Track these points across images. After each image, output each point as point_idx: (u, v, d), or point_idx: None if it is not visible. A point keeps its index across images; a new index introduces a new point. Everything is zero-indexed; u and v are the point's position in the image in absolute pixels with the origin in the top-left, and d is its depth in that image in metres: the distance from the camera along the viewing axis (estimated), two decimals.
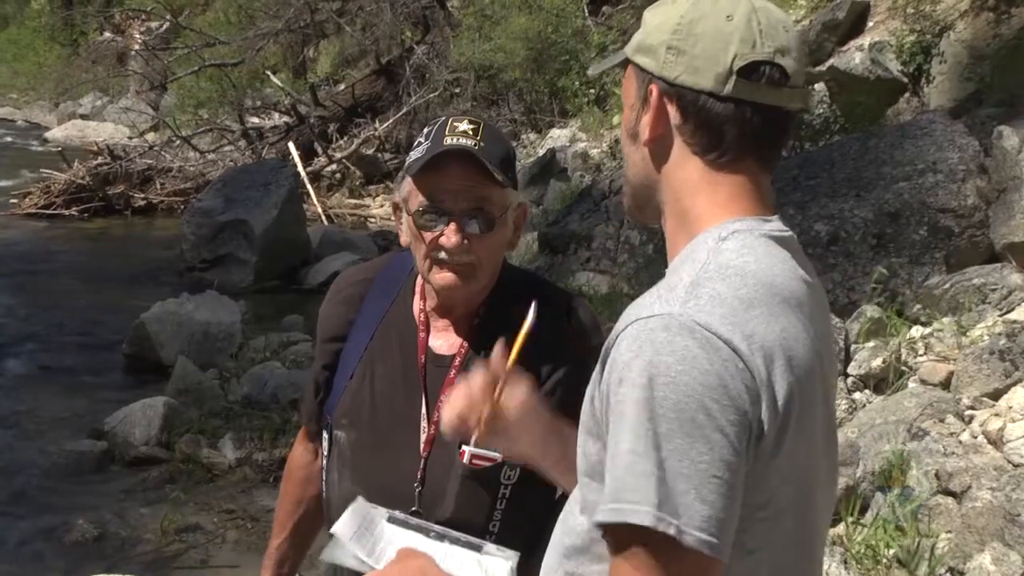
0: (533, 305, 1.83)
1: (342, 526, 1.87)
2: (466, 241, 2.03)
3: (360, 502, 1.94)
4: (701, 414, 1.31)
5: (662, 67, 1.50)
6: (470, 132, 2.03)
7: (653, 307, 1.39)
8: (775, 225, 1.53)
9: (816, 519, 1.54)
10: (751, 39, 1.48)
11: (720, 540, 1.31)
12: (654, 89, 1.52)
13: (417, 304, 2.19)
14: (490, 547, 1.81)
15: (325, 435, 2.23)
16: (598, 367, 1.46)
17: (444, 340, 2.15)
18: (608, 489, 1.35)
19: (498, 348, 1.79)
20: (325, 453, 2.24)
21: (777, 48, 1.48)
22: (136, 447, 6.67)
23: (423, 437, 2.09)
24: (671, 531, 1.29)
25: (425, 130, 2.11)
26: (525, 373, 1.84)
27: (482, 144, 2.02)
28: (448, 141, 2.02)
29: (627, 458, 1.33)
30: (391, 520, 1.91)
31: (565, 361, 2.09)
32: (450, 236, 2.02)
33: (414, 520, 1.90)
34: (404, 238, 2.13)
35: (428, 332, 2.16)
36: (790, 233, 1.54)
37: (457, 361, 2.11)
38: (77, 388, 8.14)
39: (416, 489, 2.06)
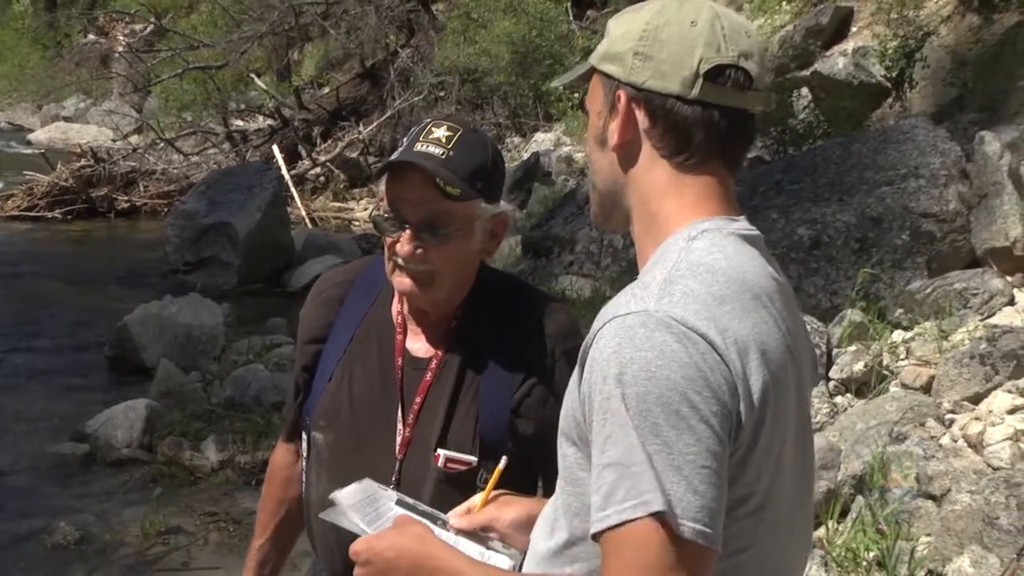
0: (503, 459, 1.93)
1: (345, 495, 1.86)
2: (420, 251, 2.03)
3: (369, 481, 1.94)
4: (685, 406, 1.33)
5: (629, 73, 1.53)
6: (443, 140, 2.03)
7: (629, 305, 1.41)
8: (742, 224, 1.55)
9: (795, 511, 1.56)
10: (716, 43, 1.51)
11: (714, 530, 1.33)
12: (622, 95, 1.54)
13: (395, 306, 2.19)
14: (496, 544, 1.82)
15: (304, 437, 2.24)
16: (577, 368, 1.47)
17: (421, 343, 2.16)
18: (601, 491, 1.36)
19: (460, 512, 1.86)
20: (304, 455, 2.24)
21: (741, 52, 1.52)
22: (118, 449, 6.65)
23: (398, 440, 2.10)
24: (666, 522, 1.31)
25: (410, 130, 2.12)
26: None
27: (451, 154, 2.01)
28: (418, 148, 2.02)
29: (616, 455, 1.34)
30: (400, 503, 1.91)
31: (544, 364, 2.10)
32: (403, 245, 2.03)
33: (422, 506, 1.91)
34: None
35: (405, 334, 2.17)
36: (757, 232, 1.56)
37: (434, 364, 2.12)
38: (59, 390, 8.10)
39: (400, 492, 2.05)
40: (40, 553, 5.59)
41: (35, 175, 15.39)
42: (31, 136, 24.16)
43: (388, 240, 2.06)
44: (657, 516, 1.31)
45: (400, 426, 2.11)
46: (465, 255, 2.09)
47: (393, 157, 2.05)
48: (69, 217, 14.62)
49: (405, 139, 2.08)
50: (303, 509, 2.30)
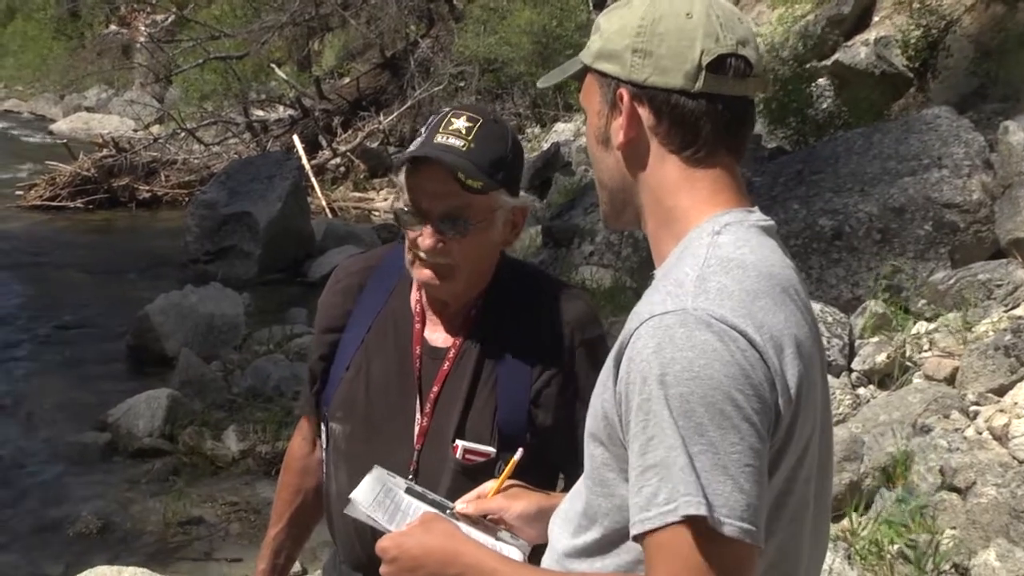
0: (519, 451, 1.92)
1: (361, 492, 1.85)
2: (441, 244, 2.01)
3: (379, 470, 1.93)
4: (729, 405, 1.33)
5: (630, 71, 1.51)
6: (462, 131, 2.01)
7: (665, 304, 1.39)
8: (759, 215, 1.55)
9: (817, 498, 1.55)
10: (714, 33, 1.50)
11: (758, 527, 1.33)
12: (624, 94, 1.52)
13: (414, 296, 2.18)
14: (504, 534, 1.81)
15: (322, 427, 2.23)
16: (611, 368, 1.45)
17: (440, 332, 2.14)
18: (643, 492, 1.35)
19: (470, 498, 1.86)
20: (324, 445, 2.23)
21: (738, 39, 1.51)
22: (140, 439, 6.69)
23: (416, 429, 2.09)
24: (712, 523, 1.30)
25: (430, 120, 2.09)
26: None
27: (472, 145, 1.99)
28: (438, 139, 2.00)
29: (659, 456, 1.33)
30: (409, 492, 1.90)
31: (562, 354, 2.09)
32: (425, 238, 2.01)
33: (431, 495, 1.90)
34: None
35: (424, 324, 2.15)
36: (772, 222, 1.56)
37: (452, 353, 2.11)
38: (81, 380, 8.15)
39: (410, 480, 2.04)
40: (63, 541, 5.64)
41: (57, 165, 15.47)
42: (53, 126, 24.30)
43: (410, 234, 2.04)
44: (700, 517, 1.30)
45: (418, 416, 2.09)
46: (486, 247, 2.08)
47: (413, 149, 2.03)
48: (91, 207, 14.70)
49: (424, 130, 2.06)
50: (321, 499, 2.29)
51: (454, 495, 1.93)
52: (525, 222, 2.17)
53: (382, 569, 1.67)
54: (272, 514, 2.47)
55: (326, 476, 2.23)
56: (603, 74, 1.55)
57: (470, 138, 2.00)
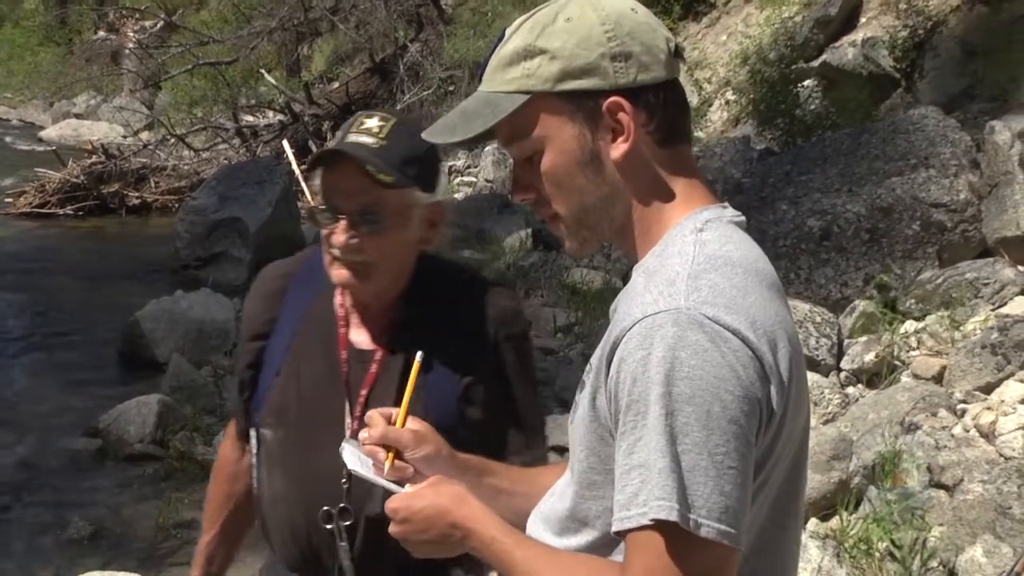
0: (419, 354, 1.85)
1: (358, 463, 1.79)
2: (355, 241, 2.01)
3: (346, 441, 1.86)
4: (717, 406, 1.33)
5: (615, 78, 1.48)
6: (374, 130, 2.02)
7: (658, 303, 1.39)
8: (732, 211, 1.55)
9: (799, 487, 1.57)
10: (657, 22, 1.53)
11: (738, 530, 1.34)
12: (618, 104, 1.48)
13: (338, 299, 2.18)
14: (389, 477, 1.80)
15: (253, 433, 2.21)
16: (602, 368, 1.45)
17: (365, 335, 2.14)
18: (626, 490, 1.36)
19: (374, 415, 1.79)
20: (254, 451, 2.22)
21: None
22: (131, 444, 6.67)
23: (347, 433, 2.07)
24: (690, 525, 1.31)
25: (344, 123, 2.11)
26: (440, 382, 2.00)
27: (384, 143, 2.00)
28: (350, 138, 2.01)
29: (643, 456, 1.34)
30: (348, 441, 1.87)
31: (488, 349, 2.11)
32: (339, 235, 2.01)
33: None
34: None
35: (348, 327, 2.15)
36: (744, 218, 1.56)
37: (378, 355, 2.11)
38: (72, 386, 8.13)
39: (344, 485, 2.06)
40: (54, 547, 5.63)
41: (46, 172, 15.42)
42: (42, 133, 24.20)
43: (324, 232, 2.04)
44: (680, 519, 1.31)
45: (348, 419, 2.09)
46: (402, 245, 2.08)
47: (319, 151, 2.05)
48: (80, 214, 14.65)
49: (339, 132, 2.08)
50: (253, 505, 2.28)
51: (388, 494, 1.95)
52: (444, 221, 2.15)
53: (391, 528, 1.66)
54: (204, 522, 2.47)
55: (258, 482, 2.22)
56: (575, 93, 1.49)
57: (381, 135, 2.01)
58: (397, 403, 1.94)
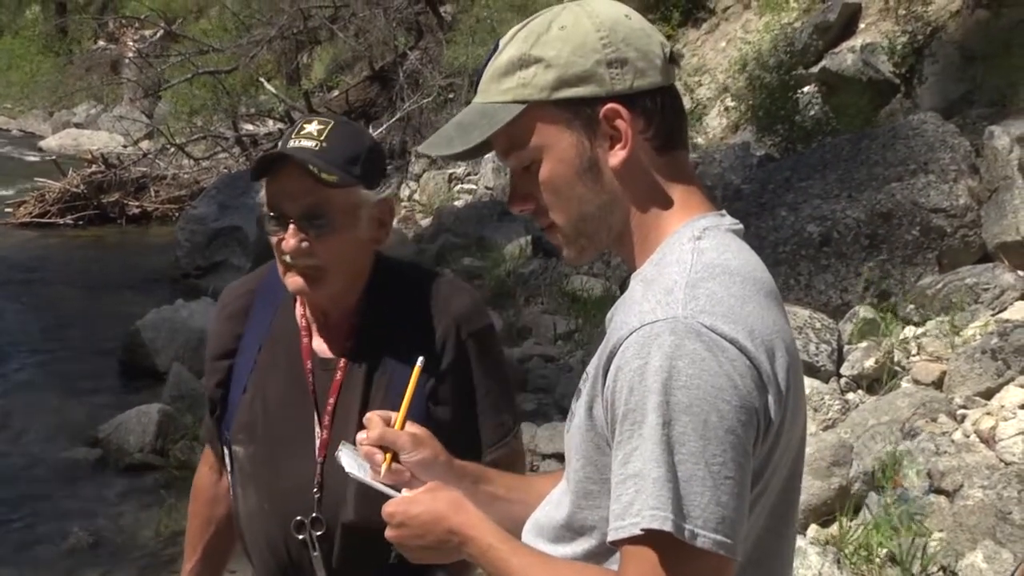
0: (420, 359, 1.83)
1: (357, 468, 1.78)
2: (305, 244, 2.01)
3: (342, 445, 1.84)
4: (714, 415, 1.32)
5: (612, 85, 1.48)
6: (314, 133, 2.03)
7: (656, 312, 1.38)
8: (730, 220, 1.54)
9: (796, 495, 1.57)
10: (652, 28, 1.53)
11: (734, 540, 1.33)
12: (615, 111, 1.48)
13: (299, 310, 2.18)
14: (384, 481, 1.79)
15: (226, 452, 2.21)
16: (599, 377, 1.44)
17: (327, 343, 2.14)
18: (621, 500, 1.35)
19: (373, 417, 1.76)
20: (229, 469, 2.22)
21: None
22: (131, 454, 6.67)
23: (317, 443, 2.08)
24: (685, 535, 1.31)
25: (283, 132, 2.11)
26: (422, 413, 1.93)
27: (324, 144, 2.01)
28: (291, 144, 2.02)
29: (639, 466, 1.34)
30: (343, 446, 1.87)
31: (452, 348, 2.10)
32: (288, 240, 2.01)
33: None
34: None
35: (311, 336, 2.15)
36: (741, 226, 1.56)
37: (342, 363, 2.11)
38: (72, 395, 8.12)
39: (316, 495, 2.06)
40: (54, 556, 5.62)
41: (46, 182, 15.44)
42: (42, 143, 24.23)
43: (275, 240, 2.04)
44: (674, 529, 1.31)
45: (317, 429, 2.09)
46: (352, 245, 2.07)
47: (258, 158, 2.05)
48: (81, 223, 14.67)
49: (282, 139, 2.09)
50: (232, 526, 2.28)
51: (360, 502, 1.94)
52: (393, 219, 2.16)
53: (388, 532, 1.66)
54: (186, 547, 2.45)
55: (234, 498, 2.22)
56: (572, 101, 1.48)
57: (322, 138, 2.03)
58: (364, 409, 1.95)
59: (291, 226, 2.01)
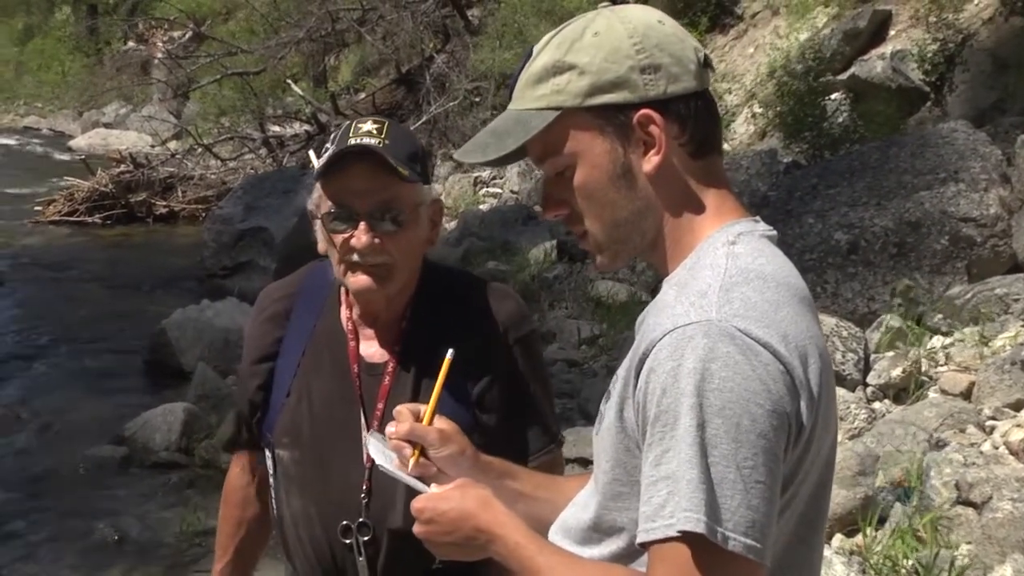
0: (450, 352, 1.79)
1: (384, 459, 1.77)
2: (377, 241, 1.99)
3: (371, 435, 1.85)
4: (746, 419, 1.32)
5: (645, 91, 1.47)
6: (374, 131, 2.00)
7: (689, 315, 1.38)
8: (764, 225, 1.54)
9: (825, 503, 1.56)
10: (685, 33, 1.52)
11: (764, 545, 1.32)
12: (649, 117, 1.47)
13: (344, 313, 2.15)
14: (412, 480, 1.79)
15: (268, 455, 2.19)
16: (630, 379, 1.44)
17: (375, 347, 2.12)
18: (652, 502, 1.35)
19: (403, 410, 1.74)
20: (271, 472, 2.20)
21: None
22: (156, 452, 6.71)
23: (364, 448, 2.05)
24: (718, 538, 1.30)
25: (332, 135, 2.08)
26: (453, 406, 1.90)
27: (387, 142, 1.99)
28: (352, 142, 1.99)
29: (671, 468, 1.33)
30: (373, 435, 1.85)
31: (499, 354, 2.09)
32: (360, 236, 1.98)
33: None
34: (321, 245, 2.09)
35: (358, 341, 2.13)
36: (775, 232, 1.55)
37: (390, 368, 2.09)
38: (98, 393, 8.19)
39: (363, 500, 2.05)
40: (80, 553, 5.66)
41: (75, 181, 15.58)
42: (72, 142, 24.47)
43: (340, 238, 2.00)
44: (708, 531, 1.30)
45: (365, 433, 2.05)
46: (416, 243, 2.07)
47: (328, 155, 2.01)
48: (108, 222, 14.79)
49: (331, 143, 2.04)
50: (263, 528, 2.28)
51: (410, 510, 1.93)
52: (442, 220, 2.16)
53: (415, 528, 1.65)
54: (216, 549, 2.45)
55: (276, 502, 2.21)
56: (605, 107, 1.48)
57: (383, 136, 2.00)
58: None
59: (362, 223, 1.98)
